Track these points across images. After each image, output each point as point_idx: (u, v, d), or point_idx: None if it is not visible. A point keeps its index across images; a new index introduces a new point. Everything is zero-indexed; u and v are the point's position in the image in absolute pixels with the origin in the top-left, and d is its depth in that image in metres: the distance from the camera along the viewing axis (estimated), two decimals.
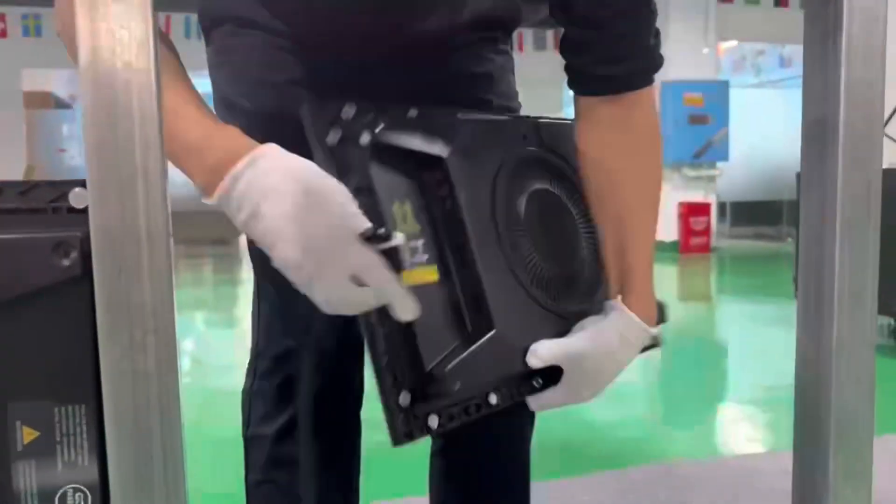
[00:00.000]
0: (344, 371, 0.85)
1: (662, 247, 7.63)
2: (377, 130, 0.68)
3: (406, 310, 0.61)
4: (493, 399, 0.73)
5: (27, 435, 0.44)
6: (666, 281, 6.41)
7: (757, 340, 4.20)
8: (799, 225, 0.65)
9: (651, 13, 0.76)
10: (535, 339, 0.74)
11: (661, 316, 0.86)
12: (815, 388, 0.61)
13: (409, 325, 0.66)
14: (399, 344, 0.66)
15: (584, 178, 0.82)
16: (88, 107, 0.42)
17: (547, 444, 2.29)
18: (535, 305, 0.77)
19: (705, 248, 7.83)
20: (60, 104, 10.17)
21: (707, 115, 7.79)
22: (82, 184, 0.45)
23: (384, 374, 0.65)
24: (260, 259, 0.86)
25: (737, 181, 9.31)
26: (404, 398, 0.66)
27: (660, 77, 0.84)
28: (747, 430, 2.66)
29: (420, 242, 0.70)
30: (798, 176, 3.13)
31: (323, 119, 0.66)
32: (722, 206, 9.35)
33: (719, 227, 8.79)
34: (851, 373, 0.59)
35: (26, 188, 0.45)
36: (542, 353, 0.73)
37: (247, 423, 0.87)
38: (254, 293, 0.90)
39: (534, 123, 0.84)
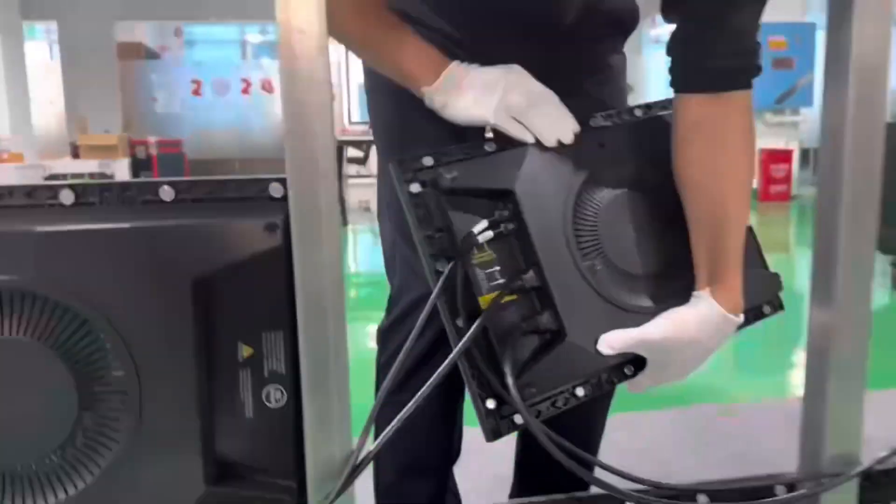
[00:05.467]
0: None
1: None
2: (452, 177, 0.76)
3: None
4: (579, 392, 0.79)
5: (245, 351, 0.65)
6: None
7: None
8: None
9: (757, 11, 0.78)
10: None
11: (777, 284, 0.93)
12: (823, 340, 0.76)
13: (488, 342, 0.74)
14: (481, 358, 0.74)
15: (679, 175, 0.84)
16: (288, 142, 0.61)
17: None
18: (617, 310, 0.81)
19: (785, 197, 7.69)
20: (151, 55, 10.62)
21: (791, 58, 7.55)
22: (280, 180, 0.64)
23: (471, 383, 0.74)
24: (398, 220, 0.99)
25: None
26: (490, 403, 0.75)
27: None
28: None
29: (496, 269, 0.77)
30: (887, 126, 3.13)
31: (406, 171, 0.76)
32: (806, 153, 9.08)
33: (803, 175, 8.55)
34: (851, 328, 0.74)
35: (241, 182, 0.65)
36: (613, 341, 0.78)
37: (381, 354, 1.06)
38: (386, 243, 1.07)
39: (614, 128, 0.89)
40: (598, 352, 0.77)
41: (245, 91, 9.65)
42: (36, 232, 0.59)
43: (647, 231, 0.86)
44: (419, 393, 0.67)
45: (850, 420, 0.77)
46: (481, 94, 0.82)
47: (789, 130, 7.81)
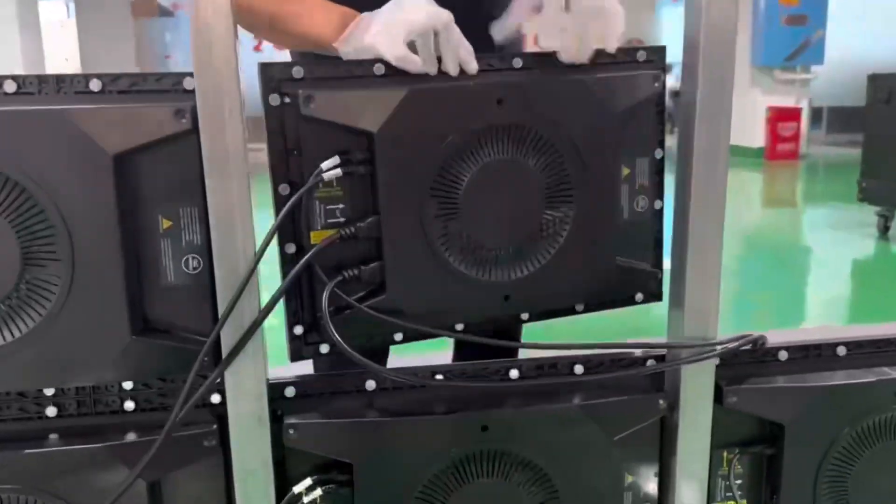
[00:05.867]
0: None
1: (747, 153, 7.51)
2: (312, 105, 0.73)
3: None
4: (397, 337, 0.83)
5: (165, 223, 0.76)
6: (747, 186, 6.42)
7: (812, 242, 4.29)
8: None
9: None
10: (437, 304, 0.81)
11: (655, 282, 0.90)
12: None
13: (312, 275, 0.77)
14: (303, 287, 0.78)
15: None
16: (194, 40, 0.71)
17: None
18: (451, 278, 0.81)
19: (793, 155, 7.67)
20: (164, 12, 10.70)
21: (804, 14, 7.47)
22: (191, 74, 0.75)
23: (286, 305, 0.79)
24: None
25: (837, 85, 8.91)
26: (298, 329, 0.80)
27: None
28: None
29: (340, 206, 0.78)
30: (868, 78, 3.17)
31: (270, 79, 0.74)
32: (818, 112, 8.99)
33: (813, 134, 8.49)
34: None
35: (160, 76, 0.75)
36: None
37: None
38: None
39: (519, 83, 0.81)
40: (417, 310, 0.80)
41: (257, 48, 9.68)
42: None
43: (516, 208, 0.82)
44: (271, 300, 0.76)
45: (707, 308, 0.86)
46: (384, 28, 0.80)
47: (799, 88, 7.76)
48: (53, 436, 0.79)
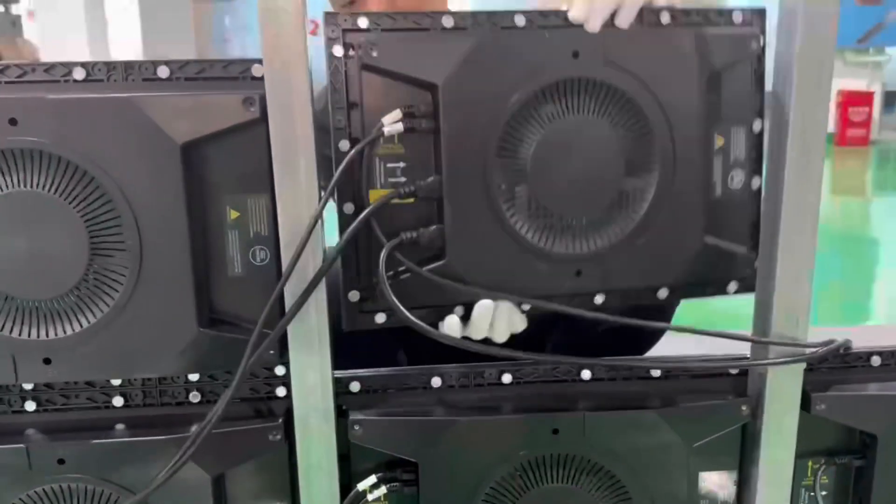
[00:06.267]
0: None
1: None
2: (374, 53, 0.70)
3: None
4: (459, 311, 0.77)
5: (232, 214, 0.75)
6: None
7: (883, 233, 4.11)
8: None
9: None
10: (502, 274, 0.76)
11: (749, 265, 0.82)
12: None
13: (370, 235, 0.73)
14: (360, 249, 0.75)
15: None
16: (262, 25, 0.69)
17: None
18: (519, 248, 0.76)
19: (863, 141, 7.34)
20: None
21: None
22: (259, 61, 0.72)
23: (343, 270, 0.75)
24: None
25: None
26: (353, 296, 0.76)
27: None
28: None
29: (401, 165, 0.74)
30: None
31: (334, 28, 0.71)
32: (891, 96, 8.58)
33: (886, 119, 8.12)
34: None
35: (227, 63, 0.73)
36: None
37: None
38: None
39: (597, 35, 0.73)
40: (479, 280, 0.75)
41: (314, 32, 9.71)
42: (50, 99, 0.69)
43: (591, 174, 0.76)
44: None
45: (798, 308, 0.80)
46: None
47: (872, 71, 7.41)
48: (120, 426, 0.79)
